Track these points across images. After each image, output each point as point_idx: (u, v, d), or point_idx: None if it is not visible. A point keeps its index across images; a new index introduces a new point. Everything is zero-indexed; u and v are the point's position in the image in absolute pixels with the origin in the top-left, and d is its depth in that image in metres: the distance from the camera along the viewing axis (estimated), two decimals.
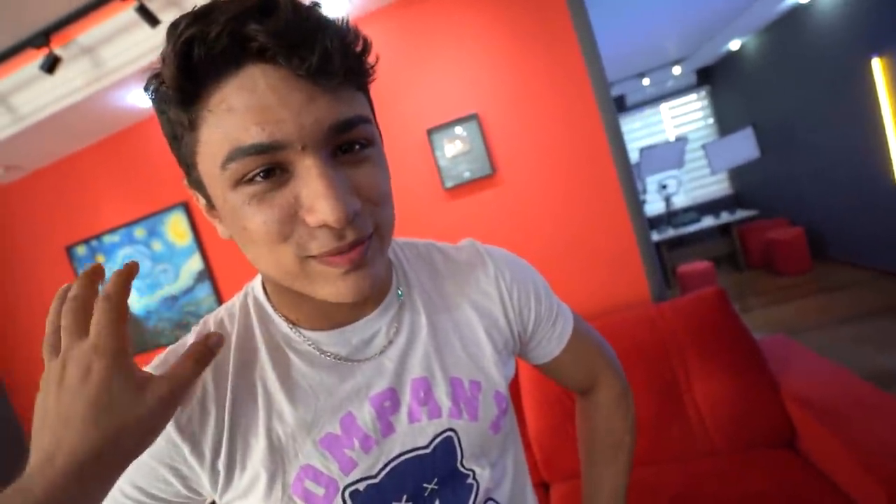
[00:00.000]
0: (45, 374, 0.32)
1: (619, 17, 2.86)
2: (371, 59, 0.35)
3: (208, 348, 0.36)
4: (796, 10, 3.29)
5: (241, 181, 0.32)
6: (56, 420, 0.30)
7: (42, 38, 1.39)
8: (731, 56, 4.37)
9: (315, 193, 0.31)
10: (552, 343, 0.55)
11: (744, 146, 4.02)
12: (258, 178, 0.31)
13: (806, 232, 3.65)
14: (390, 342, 0.45)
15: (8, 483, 0.28)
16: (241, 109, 0.30)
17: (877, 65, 2.71)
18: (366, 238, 0.35)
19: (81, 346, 0.31)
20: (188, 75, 0.30)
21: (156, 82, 0.33)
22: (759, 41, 3.87)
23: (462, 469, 0.46)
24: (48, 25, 1.38)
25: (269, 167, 0.31)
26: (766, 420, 1.24)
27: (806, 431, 1.17)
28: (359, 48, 0.34)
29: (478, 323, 0.48)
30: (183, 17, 0.30)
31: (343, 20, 0.33)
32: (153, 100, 0.34)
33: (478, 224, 1.70)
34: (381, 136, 0.37)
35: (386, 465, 0.42)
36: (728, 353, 1.32)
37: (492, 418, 0.47)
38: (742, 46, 4.14)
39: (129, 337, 0.33)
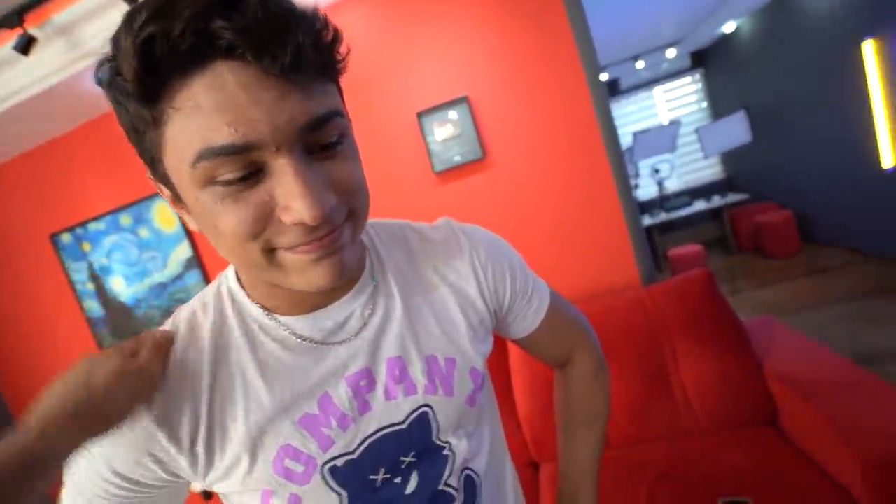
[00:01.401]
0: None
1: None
2: (343, 50, 0.34)
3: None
4: None
5: (213, 180, 0.31)
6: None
7: (15, 18, 1.34)
8: (726, 39, 4.33)
9: (291, 193, 0.31)
10: (528, 319, 0.56)
11: (736, 130, 4.02)
12: (231, 178, 0.30)
13: (795, 215, 3.68)
14: (365, 324, 0.45)
15: None
16: (211, 108, 0.29)
17: (869, 47, 2.69)
18: (338, 226, 0.35)
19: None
20: (151, 72, 0.28)
21: (109, 70, 0.30)
22: (754, 23, 3.84)
23: (438, 442, 0.47)
24: (21, 4, 1.33)
25: (241, 167, 0.30)
26: (749, 399, 1.26)
27: (787, 409, 1.20)
28: (330, 39, 0.32)
29: (453, 301, 0.49)
30: (142, 6, 0.27)
31: (313, 9, 0.32)
32: (107, 89, 0.31)
33: (468, 208, 1.69)
34: (350, 123, 0.36)
35: (363, 442, 0.43)
36: (713, 335, 1.34)
37: (467, 393, 0.48)
38: (737, 29, 4.11)
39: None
